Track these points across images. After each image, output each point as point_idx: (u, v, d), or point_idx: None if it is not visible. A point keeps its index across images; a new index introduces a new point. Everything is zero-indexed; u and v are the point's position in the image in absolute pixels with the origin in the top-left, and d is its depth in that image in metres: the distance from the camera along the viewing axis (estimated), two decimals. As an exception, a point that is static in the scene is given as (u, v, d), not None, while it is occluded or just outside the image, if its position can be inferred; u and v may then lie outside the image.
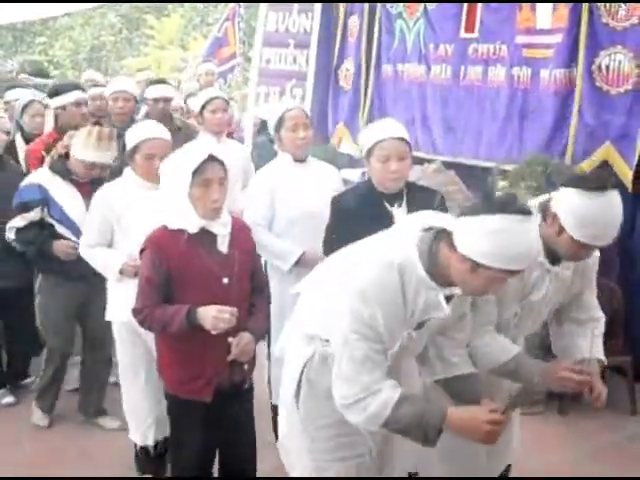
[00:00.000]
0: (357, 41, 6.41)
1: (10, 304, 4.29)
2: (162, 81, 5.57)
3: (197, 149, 2.79)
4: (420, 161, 5.59)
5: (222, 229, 2.79)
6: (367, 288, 2.15)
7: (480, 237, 2.06)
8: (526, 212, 2.10)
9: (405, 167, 3.07)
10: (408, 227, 2.31)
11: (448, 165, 5.50)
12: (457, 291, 2.20)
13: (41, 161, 4.25)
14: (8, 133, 4.54)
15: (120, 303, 3.31)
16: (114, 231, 3.38)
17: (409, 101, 5.98)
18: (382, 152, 3.01)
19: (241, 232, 2.91)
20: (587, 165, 4.52)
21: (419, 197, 3.13)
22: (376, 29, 6.21)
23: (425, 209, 2.90)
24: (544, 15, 4.83)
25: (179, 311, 2.68)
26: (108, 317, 3.51)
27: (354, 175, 6.05)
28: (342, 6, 6.60)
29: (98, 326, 3.79)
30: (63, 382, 4.21)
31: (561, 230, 2.38)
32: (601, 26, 4.46)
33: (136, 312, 2.78)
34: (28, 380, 4.63)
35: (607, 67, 4.46)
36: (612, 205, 2.34)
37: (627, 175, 4.36)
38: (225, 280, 2.77)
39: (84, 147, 3.73)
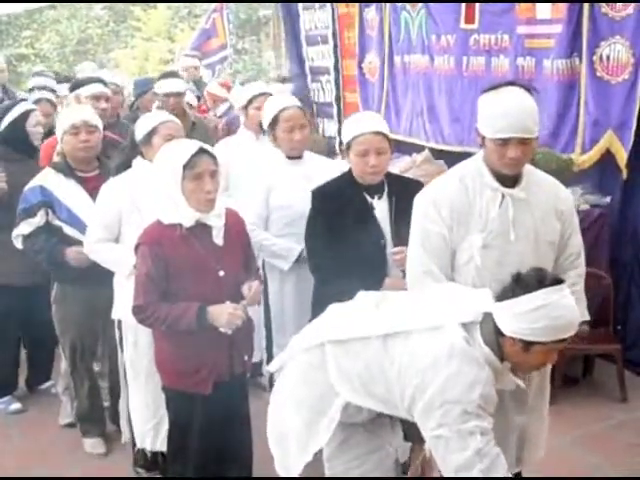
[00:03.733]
0: (379, 33, 6.43)
1: (30, 301, 4.16)
2: (172, 74, 5.38)
3: (189, 143, 2.78)
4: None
5: (217, 221, 2.78)
6: (464, 388, 2.11)
7: (527, 317, 2.11)
8: (560, 280, 2.19)
9: (384, 161, 3.06)
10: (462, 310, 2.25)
11: (437, 154, 5.52)
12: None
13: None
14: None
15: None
16: (122, 225, 3.28)
17: (416, 91, 6.04)
18: (360, 147, 2.99)
19: (235, 224, 2.90)
20: (594, 153, 4.57)
21: (400, 188, 3.12)
22: (387, 21, 6.26)
23: (406, 200, 2.97)
24: (544, 5, 4.87)
25: (187, 311, 2.66)
26: (117, 316, 3.36)
27: (346, 164, 6.04)
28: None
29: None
30: (101, 397, 3.90)
31: (484, 140, 2.52)
32: (601, 16, 4.50)
33: (138, 309, 2.73)
34: (47, 384, 4.49)
35: (608, 57, 4.50)
36: (515, 94, 2.47)
37: (624, 161, 4.42)
38: (221, 273, 2.77)
39: (68, 115, 3.63)
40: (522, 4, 4.98)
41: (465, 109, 5.54)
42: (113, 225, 3.28)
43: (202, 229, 2.76)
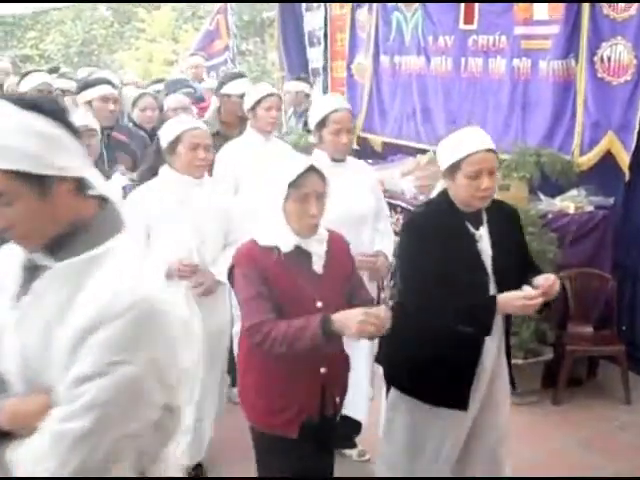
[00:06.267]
0: (369, 34, 6.42)
1: None
2: (241, 75, 5.01)
3: (299, 159, 2.50)
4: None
5: (318, 247, 2.48)
6: None
7: None
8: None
9: (494, 183, 2.69)
10: None
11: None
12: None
13: None
14: None
15: None
16: (150, 235, 3.13)
17: (408, 93, 6.00)
18: (472, 167, 2.61)
19: (339, 249, 2.58)
20: (594, 155, 4.55)
21: (496, 213, 2.77)
22: (373, 21, 6.23)
23: (504, 227, 2.76)
24: (541, 6, 4.86)
25: (309, 322, 2.32)
26: None
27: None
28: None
29: None
30: None
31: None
32: (602, 17, 4.47)
33: (254, 329, 2.36)
34: None
35: (609, 58, 4.47)
36: None
37: (626, 163, 4.42)
38: (319, 304, 2.45)
39: None
40: (520, 5, 4.96)
41: (463, 110, 5.52)
42: (140, 236, 3.09)
43: (301, 255, 2.46)
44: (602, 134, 4.52)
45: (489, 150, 2.64)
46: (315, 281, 2.47)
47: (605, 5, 4.44)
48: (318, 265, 2.48)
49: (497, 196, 4.51)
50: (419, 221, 2.82)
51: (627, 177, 4.44)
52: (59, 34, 18.42)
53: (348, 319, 2.30)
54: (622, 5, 4.36)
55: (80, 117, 3.61)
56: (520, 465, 3.50)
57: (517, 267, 2.72)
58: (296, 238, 2.43)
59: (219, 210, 3.27)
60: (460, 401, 2.70)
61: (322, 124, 3.40)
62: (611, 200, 4.55)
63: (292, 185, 2.38)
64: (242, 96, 4.52)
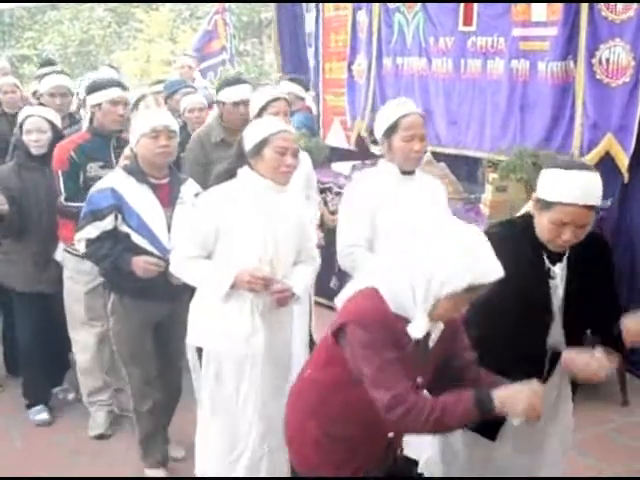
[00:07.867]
0: (368, 35, 6.40)
1: (48, 308, 4.15)
2: (240, 80, 4.61)
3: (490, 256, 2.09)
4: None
5: (440, 327, 2.21)
6: None
7: None
8: None
9: (583, 235, 2.42)
10: None
11: (438, 156, 5.52)
12: None
13: (68, 163, 3.87)
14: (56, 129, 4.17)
15: (221, 328, 2.97)
16: (218, 241, 2.96)
17: (410, 94, 6.01)
18: (562, 217, 2.34)
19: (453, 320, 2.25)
20: (593, 157, 4.54)
21: (584, 248, 2.47)
22: (375, 23, 6.24)
23: (588, 263, 2.49)
24: (539, 8, 4.87)
25: (461, 397, 2.06)
26: (197, 342, 3.05)
27: (345, 168, 6.07)
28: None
29: (176, 351, 3.34)
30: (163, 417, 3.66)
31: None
32: (601, 19, 4.48)
33: (397, 399, 2.04)
34: (58, 389, 4.39)
35: (607, 60, 4.49)
36: None
37: (625, 165, 4.43)
38: (419, 379, 2.21)
39: (148, 118, 3.41)
40: (518, 7, 4.98)
41: (462, 112, 5.54)
42: (208, 242, 2.96)
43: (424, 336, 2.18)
44: (601, 136, 4.53)
45: (591, 207, 2.34)
46: (424, 356, 2.20)
47: (603, 7, 4.45)
48: (433, 341, 2.21)
49: (494, 198, 4.59)
50: (493, 242, 2.50)
51: (626, 179, 4.45)
52: (57, 34, 18.41)
53: (513, 397, 2.03)
54: (620, 7, 4.37)
55: (162, 117, 3.45)
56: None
57: (592, 309, 2.50)
58: (429, 325, 2.13)
59: (297, 224, 3.08)
60: (489, 430, 2.53)
61: (391, 131, 3.17)
62: (608, 202, 4.55)
63: (471, 289, 2.04)
64: (237, 104, 4.24)
